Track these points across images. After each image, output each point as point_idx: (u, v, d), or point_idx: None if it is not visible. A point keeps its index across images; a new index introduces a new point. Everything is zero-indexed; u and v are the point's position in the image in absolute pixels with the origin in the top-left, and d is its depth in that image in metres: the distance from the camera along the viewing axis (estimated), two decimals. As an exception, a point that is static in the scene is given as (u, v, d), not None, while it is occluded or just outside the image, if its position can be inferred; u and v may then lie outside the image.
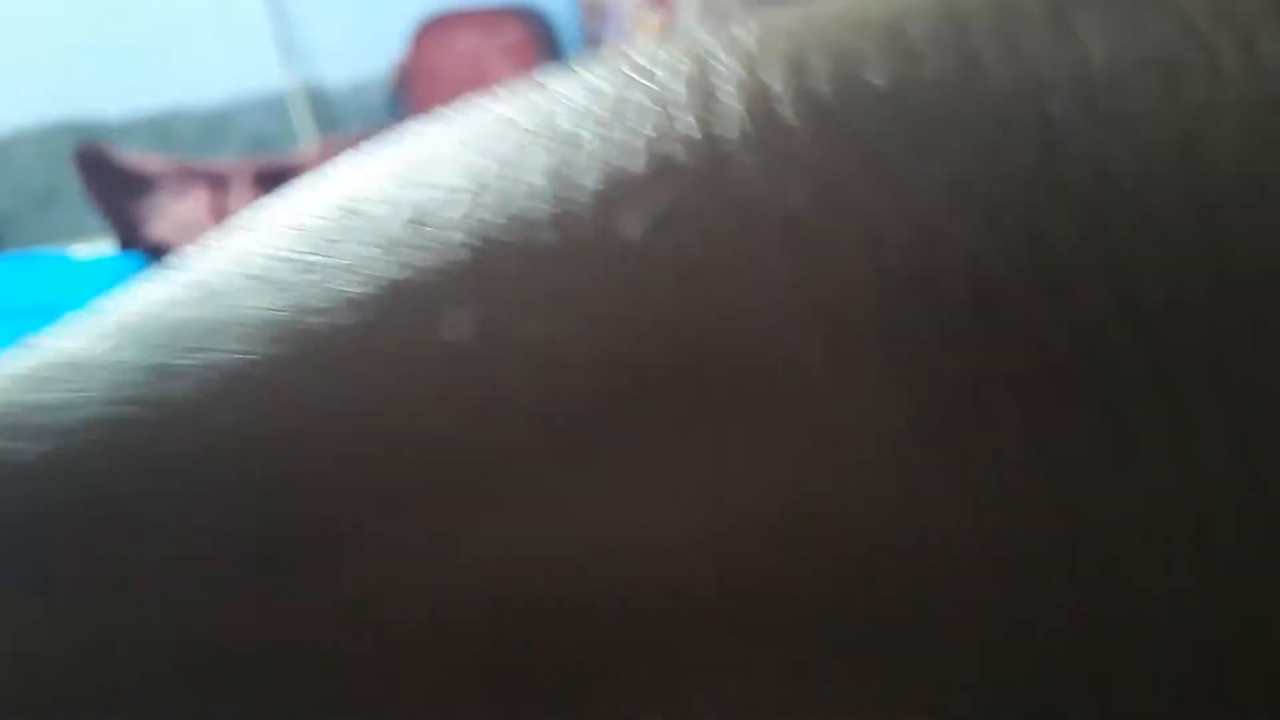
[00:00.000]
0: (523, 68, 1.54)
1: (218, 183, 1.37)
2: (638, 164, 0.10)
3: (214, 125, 1.69)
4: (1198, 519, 0.09)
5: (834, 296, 0.09)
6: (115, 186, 1.31)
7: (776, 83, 0.10)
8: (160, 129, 1.68)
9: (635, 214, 0.10)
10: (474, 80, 1.54)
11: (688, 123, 0.10)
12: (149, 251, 1.26)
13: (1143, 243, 0.09)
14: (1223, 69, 0.09)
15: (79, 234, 1.57)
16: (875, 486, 0.09)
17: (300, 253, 0.11)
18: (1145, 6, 0.10)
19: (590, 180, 0.10)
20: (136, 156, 1.35)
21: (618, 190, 0.10)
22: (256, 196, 1.28)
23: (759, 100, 0.10)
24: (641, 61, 0.11)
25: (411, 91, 1.62)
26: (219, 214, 1.31)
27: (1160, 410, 0.09)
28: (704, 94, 0.10)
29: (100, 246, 1.35)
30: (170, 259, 0.12)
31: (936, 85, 0.10)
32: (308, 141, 1.67)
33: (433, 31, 1.62)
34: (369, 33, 1.65)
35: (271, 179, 1.35)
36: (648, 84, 0.11)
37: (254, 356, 0.10)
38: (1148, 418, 0.09)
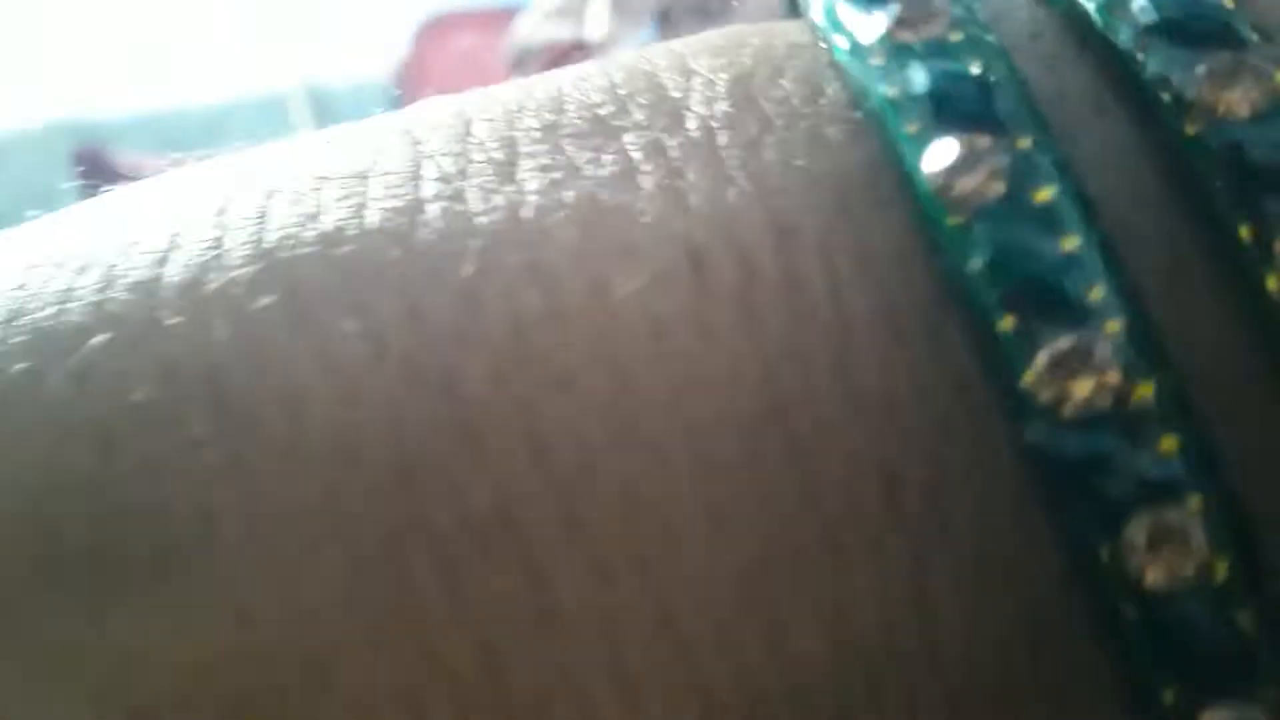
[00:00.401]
0: (523, 68, 1.54)
1: (217, 183, 1.36)
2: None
3: (214, 125, 1.68)
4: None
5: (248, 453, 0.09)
6: (115, 187, 1.31)
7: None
8: (160, 129, 1.67)
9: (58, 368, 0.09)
10: (474, 80, 1.53)
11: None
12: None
13: (554, 397, 0.09)
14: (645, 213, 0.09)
15: (79, 234, 1.56)
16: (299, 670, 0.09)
17: None
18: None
19: None
20: (136, 157, 1.35)
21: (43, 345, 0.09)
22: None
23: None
24: None
25: (411, 91, 1.61)
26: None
27: (578, 569, 0.09)
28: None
29: (100, 247, 1.35)
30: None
31: (376, 233, 0.09)
32: (308, 141, 1.66)
33: (433, 31, 1.61)
34: (369, 33, 1.65)
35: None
36: None
37: None
38: (567, 577, 0.09)
